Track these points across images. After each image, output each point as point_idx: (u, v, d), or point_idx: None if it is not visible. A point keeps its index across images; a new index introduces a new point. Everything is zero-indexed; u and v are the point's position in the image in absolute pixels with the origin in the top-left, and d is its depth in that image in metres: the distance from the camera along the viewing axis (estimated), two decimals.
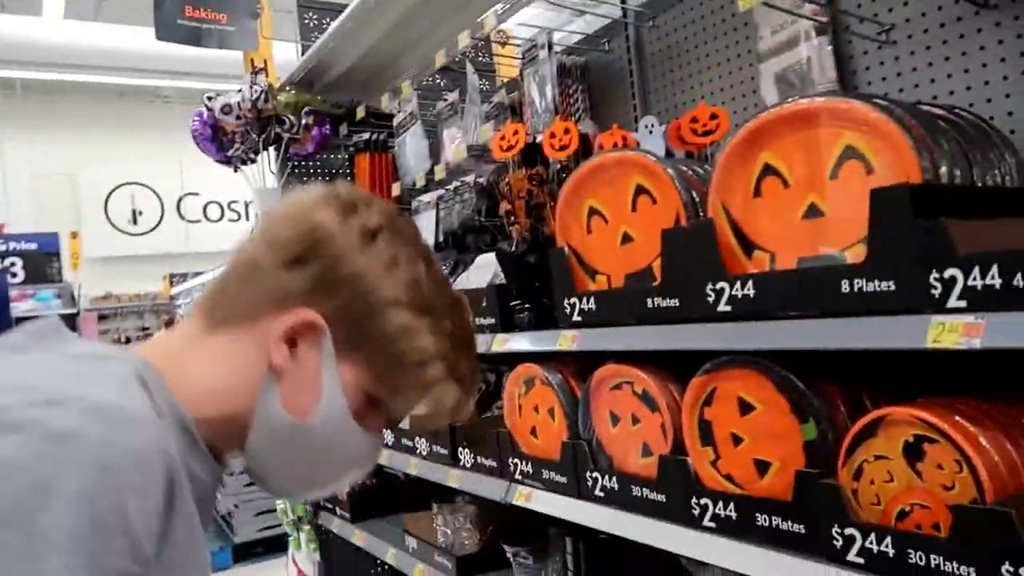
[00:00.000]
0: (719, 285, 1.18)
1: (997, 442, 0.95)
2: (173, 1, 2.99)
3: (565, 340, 1.51)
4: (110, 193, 13.14)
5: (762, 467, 1.20)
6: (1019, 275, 0.83)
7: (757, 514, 1.16)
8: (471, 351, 0.85)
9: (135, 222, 13.24)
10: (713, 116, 1.60)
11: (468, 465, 1.91)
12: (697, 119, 1.62)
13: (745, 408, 1.21)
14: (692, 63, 1.90)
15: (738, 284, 1.15)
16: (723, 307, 1.18)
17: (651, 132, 1.73)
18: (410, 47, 2.61)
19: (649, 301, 1.31)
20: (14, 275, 9.41)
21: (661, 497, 1.34)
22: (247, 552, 5.21)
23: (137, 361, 0.71)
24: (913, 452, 0.98)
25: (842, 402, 1.14)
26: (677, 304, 1.27)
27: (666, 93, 1.96)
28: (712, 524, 1.24)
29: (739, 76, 1.81)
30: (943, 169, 0.99)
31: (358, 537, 2.57)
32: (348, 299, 0.75)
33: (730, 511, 1.21)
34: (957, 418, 0.96)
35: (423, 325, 0.78)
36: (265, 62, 3.07)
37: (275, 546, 4.93)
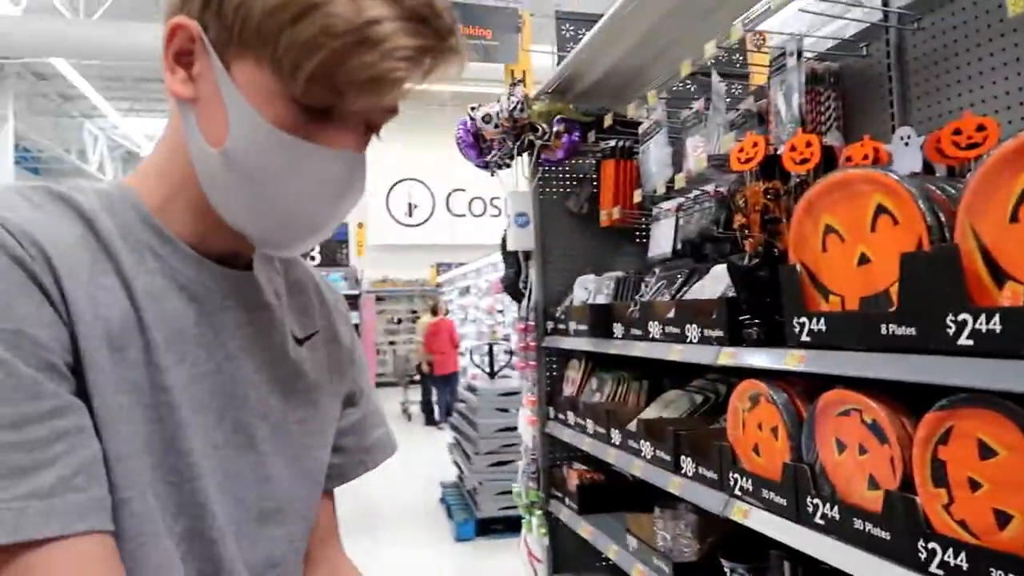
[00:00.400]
0: (961, 317, 1.10)
1: None
2: None
3: (792, 359, 1.47)
4: (392, 187, 14.62)
5: (1003, 518, 1.09)
6: None
7: (992, 569, 1.07)
8: None
9: (410, 214, 14.61)
10: (980, 128, 1.46)
11: (689, 474, 1.92)
12: (961, 131, 1.48)
13: (986, 452, 1.11)
14: (959, 68, 1.73)
15: (983, 317, 1.06)
16: (964, 340, 1.09)
17: (907, 144, 1.61)
18: (659, 56, 2.65)
19: (884, 327, 1.25)
20: (313, 258, 10.89)
21: (886, 534, 1.27)
22: (488, 528, 5.58)
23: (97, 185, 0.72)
24: None
25: None
26: (914, 333, 1.19)
27: (928, 101, 1.80)
28: (940, 572, 1.15)
29: (1013, 84, 1.62)
30: None
31: (584, 529, 2.68)
32: None
33: (961, 560, 1.12)
34: None
35: None
36: (524, 73, 3.27)
37: (514, 525, 5.24)
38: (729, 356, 1.71)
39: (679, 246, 2.42)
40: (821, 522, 1.42)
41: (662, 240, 2.57)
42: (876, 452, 1.33)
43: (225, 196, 0.69)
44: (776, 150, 1.79)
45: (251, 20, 0.63)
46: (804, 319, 1.44)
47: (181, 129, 0.70)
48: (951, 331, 1.11)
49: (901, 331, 1.21)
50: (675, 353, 1.97)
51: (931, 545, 1.17)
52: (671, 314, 2.03)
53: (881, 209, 1.31)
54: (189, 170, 0.70)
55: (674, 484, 1.97)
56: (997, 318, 1.04)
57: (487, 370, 7.27)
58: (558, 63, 3.08)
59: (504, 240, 3.14)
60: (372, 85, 0.63)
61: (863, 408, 1.35)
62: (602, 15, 2.55)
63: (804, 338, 1.44)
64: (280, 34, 0.62)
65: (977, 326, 1.07)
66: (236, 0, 0.63)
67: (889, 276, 1.28)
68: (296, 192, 0.67)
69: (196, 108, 0.68)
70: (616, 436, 2.37)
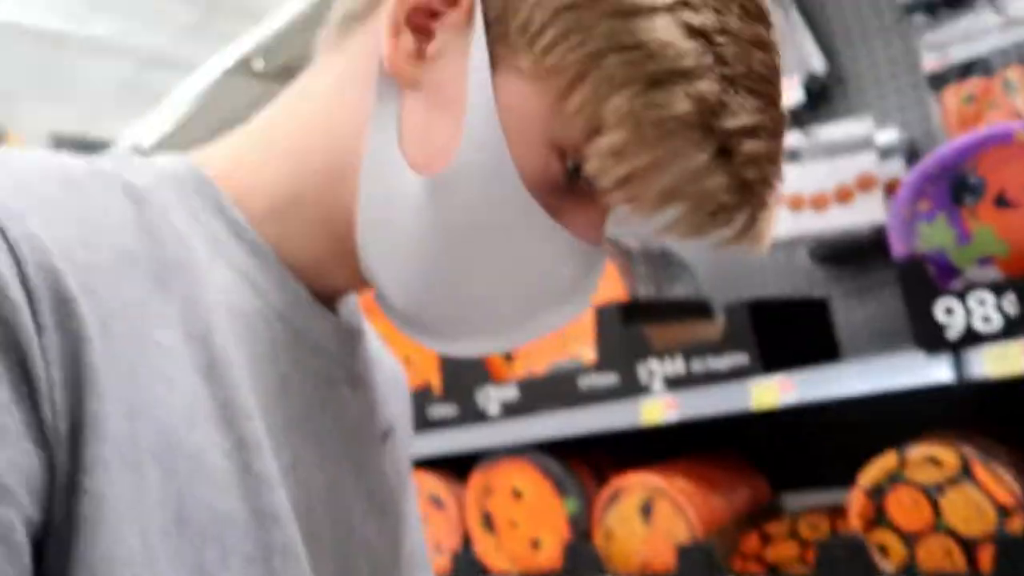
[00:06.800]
0: (485, 391, 1.41)
1: (701, 494, 1.24)
2: None
3: None
4: None
5: (535, 544, 1.41)
6: (694, 361, 1.14)
7: None
8: (759, 95, 0.43)
9: None
10: None
11: None
12: None
13: (516, 494, 1.43)
14: None
15: (504, 390, 1.39)
16: (493, 410, 1.41)
17: None
18: None
19: (427, 409, 1.51)
20: None
21: None
22: None
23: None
24: (646, 511, 1.25)
25: (591, 478, 1.39)
26: (455, 413, 1.48)
27: None
28: None
29: None
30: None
31: None
32: None
33: None
34: (675, 479, 1.24)
35: (659, 6, 0.41)
36: None
37: None
38: None
39: None
40: None
41: None
42: (437, 519, 1.57)
43: (392, 239, 0.45)
44: None
45: (570, 36, 0.41)
46: None
47: (337, 116, 0.46)
48: (479, 405, 1.42)
49: (442, 410, 1.49)
50: None
51: None
52: None
53: None
54: (324, 178, 0.47)
55: None
56: (515, 389, 1.38)
57: None
58: None
59: None
60: (700, 211, 0.43)
61: (420, 483, 1.59)
62: (101, 142, 2.52)
63: None
64: (613, 86, 0.40)
65: (502, 396, 1.40)
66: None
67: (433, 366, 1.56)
68: (506, 277, 0.46)
69: (407, 101, 0.45)
70: None
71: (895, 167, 1.25)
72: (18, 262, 0.35)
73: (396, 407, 0.62)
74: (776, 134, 0.44)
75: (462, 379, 1.45)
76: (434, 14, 0.44)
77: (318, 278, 0.49)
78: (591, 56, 0.40)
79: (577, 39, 0.40)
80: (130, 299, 0.39)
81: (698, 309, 1.43)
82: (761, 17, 0.43)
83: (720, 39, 0.41)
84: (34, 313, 0.35)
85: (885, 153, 1.25)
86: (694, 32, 0.40)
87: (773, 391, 1.06)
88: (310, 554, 0.44)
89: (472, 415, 1.43)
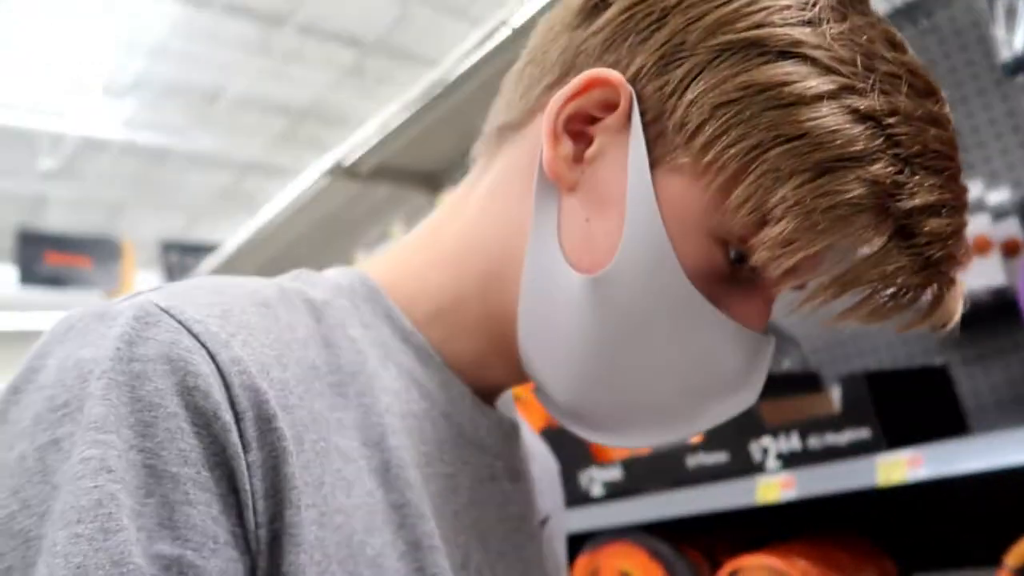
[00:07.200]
0: (588, 473, 1.39)
1: (825, 575, 1.17)
2: (35, 248, 3.08)
3: None
4: None
5: None
6: (811, 438, 1.10)
7: None
8: (936, 172, 0.42)
9: None
10: None
11: None
12: None
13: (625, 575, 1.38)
14: None
15: (607, 470, 1.36)
16: (596, 491, 1.38)
17: None
18: None
19: None
20: None
21: None
22: None
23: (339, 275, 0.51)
24: None
25: (703, 561, 1.33)
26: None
27: None
28: None
29: None
30: None
31: None
32: (672, 45, 0.43)
33: None
34: (796, 560, 1.18)
35: (823, 94, 0.40)
36: None
37: None
38: None
39: None
40: None
41: None
42: None
43: (555, 337, 0.46)
44: None
45: (730, 132, 0.41)
46: None
47: (497, 219, 0.48)
48: (583, 486, 1.39)
49: None
50: None
51: None
52: None
53: None
54: (485, 282, 0.48)
55: None
56: (619, 469, 1.35)
57: None
58: None
59: None
60: (880, 295, 0.42)
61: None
62: (210, 246, 2.67)
63: None
64: (779, 178, 0.40)
65: (605, 477, 1.37)
66: (711, 85, 0.41)
67: None
68: (671, 372, 0.46)
69: (565, 204, 0.46)
70: None
71: (1010, 228, 1.21)
72: (227, 386, 0.38)
73: (551, 495, 0.63)
74: (959, 209, 0.43)
75: (562, 459, 1.43)
76: (592, 120, 0.45)
77: (480, 375, 0.51)
78: (753, 150, 0.40)
79: (737, 134, 0.41)
80: (317, 411, 0.42)
81: (808, 382, 1.38)
82: (931, 93, 0.43)
83: (890, 120, 0.41)
84: (241, 432, 0.38)
85: (998, 214, 1.21)
86: (862, 116, 0.40)
87: (900, 467, 1.01)
88: None
89: (576, 496, 1.40)
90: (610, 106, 0.44)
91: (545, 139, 0.45)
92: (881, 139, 0.40)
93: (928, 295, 0.43)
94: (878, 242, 0.41)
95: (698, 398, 0.47)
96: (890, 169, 0.40)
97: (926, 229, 0.41)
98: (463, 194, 0.52)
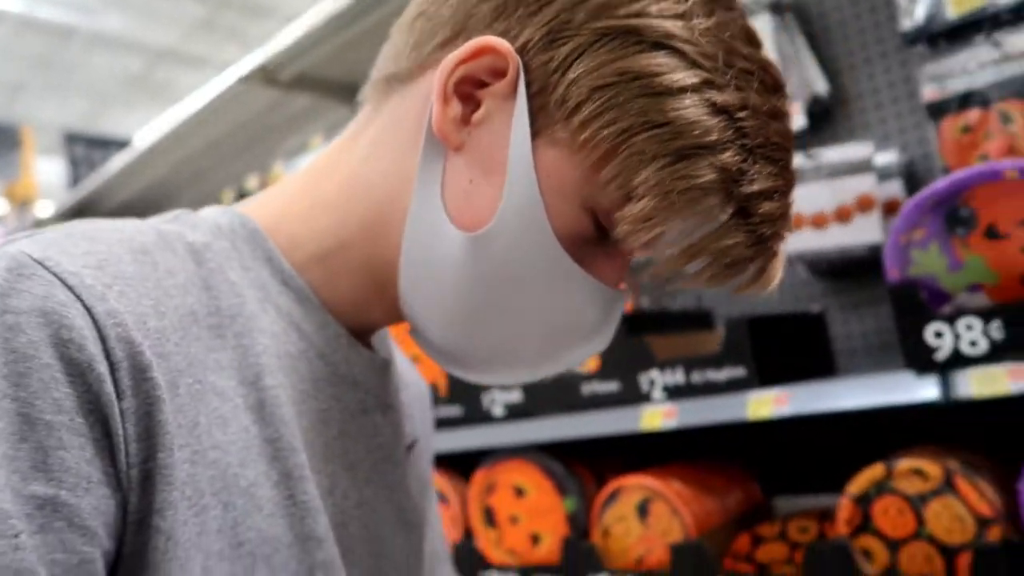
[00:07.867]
0: (490, 397, 1.46)
1: (696, 496, 1.29)
2: None
3: None
4: None
5: (536, 539, 1.46)
6: (694, 373, 1.19)
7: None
8: (774, 161, 0.48)
9: None
10: None
11: None
12: None
13: (519, 493, 1.48)
14: None
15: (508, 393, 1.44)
16: (497, 411, 1.46)
17: None
18: (196, 182, 2.74)
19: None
20: None
21: None
22: None
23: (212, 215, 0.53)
24: (642, 510, 1.30)
25: (591, 478, 1.45)
26: (460, 413, 1.53)
27: None
28: None
29: None
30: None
31: None
32: (559, 22, 0.46)
33: None
34: (671, 481, 1.30)
35: (687, 87, 0.45)
36: (30, 196, 3.03)
37: None
38: None
39: None
40: None
41: None
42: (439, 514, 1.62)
43: (434, 287, 0.50)
44: None
45: (604, 113, 0.45)
46: None
47: (384, 168, 0.50)
48: (484, 407, 1.47)
49: (448, 410, 1.54)
50: None
51: (490, 574, 1.49)
52: None
53: None
54: (368, 229, 0.51)
55: None
56: (519, 392, 1.43)
57: None
58: (74, 183, 2.94)
59: None
60: (719, 264, 0.48)
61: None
62: (112, 140, 2.56)
63: None
64: (643, 160, 0.45)
65: (506, 399, 1.45)
66: (591, 68, 0.45)
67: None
68: (537, 321, 0.51)
69: (450, 163, 0.49)
70: None
71: (893, 188, 1.30)
72: (103, 338, 0.40)
73: (420, 419, 0.69)
74: (787, 193, 0.50)
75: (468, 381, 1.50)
76: (481, 84, 0.48)
77: (356, 317, 0.54)
78: (623, 133, 0.45)
79: (610, 117, 0.45)
80: (193, 354, 0.44)
81: (700, 321, 1.48)
82: (777, 89, 0.49)
83: (741, 114, 0.46)
84: (116, 382, 0.40)
85: (883, 175, 1.30)
86: (718, 110, 0.45)
87: (767, 404, 1.11)
88: (346, 568, 0.50)
89: (477, 416, 1.48)
90: (499, 73, 0.47)
91: (435, 99, 0.48)
92: (732, 131, 0.45)
93: (756, 266, 0.49)
94: (721, 220, 0.46)
95: (559, 343, 0.53)
96: (737, 158, 0.45)
97: (761, 211, 0.47)
98: (349, 139, 0.54)
